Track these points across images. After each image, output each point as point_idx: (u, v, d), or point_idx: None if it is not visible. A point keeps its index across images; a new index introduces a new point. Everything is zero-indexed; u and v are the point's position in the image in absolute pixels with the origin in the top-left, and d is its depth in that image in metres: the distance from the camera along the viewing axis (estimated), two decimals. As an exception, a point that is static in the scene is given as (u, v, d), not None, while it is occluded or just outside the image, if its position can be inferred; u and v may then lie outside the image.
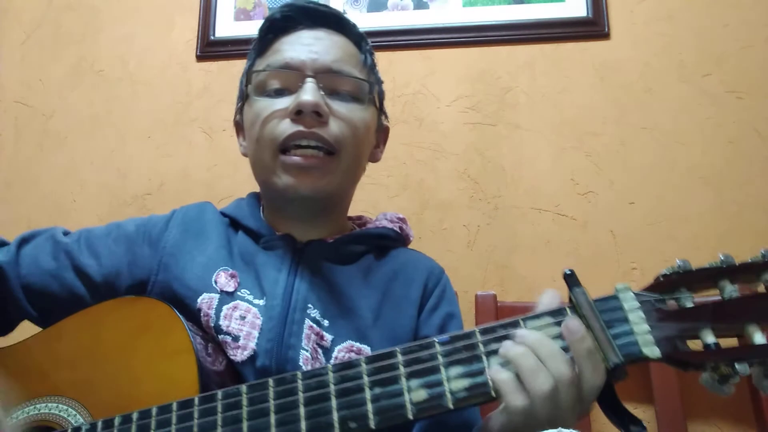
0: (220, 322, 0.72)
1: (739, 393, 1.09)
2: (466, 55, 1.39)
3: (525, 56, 1.37)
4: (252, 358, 0.70)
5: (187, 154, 1.43)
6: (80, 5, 1.57)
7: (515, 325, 0.55)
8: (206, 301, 0.74)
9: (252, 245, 0.81)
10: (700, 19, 1.33)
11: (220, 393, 0.57)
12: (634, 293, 0.55)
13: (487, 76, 1.38)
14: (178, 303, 0.73)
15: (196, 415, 0.56)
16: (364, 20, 1.43)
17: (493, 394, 0.52)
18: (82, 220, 1.42)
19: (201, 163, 1.42)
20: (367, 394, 0.53)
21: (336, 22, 0.84)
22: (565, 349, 0.53)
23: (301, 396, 0.55)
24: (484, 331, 0.55)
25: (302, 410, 0.54)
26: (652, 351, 0.51)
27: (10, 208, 1.46)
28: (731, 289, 0.53)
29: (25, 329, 0.81)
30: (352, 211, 0.95)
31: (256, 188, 0.89)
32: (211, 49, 1.48)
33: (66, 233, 0.85)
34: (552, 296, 0.57)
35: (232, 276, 0.76)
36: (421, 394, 0.53)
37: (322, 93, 0.77)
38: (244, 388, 0.57)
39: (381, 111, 0.89)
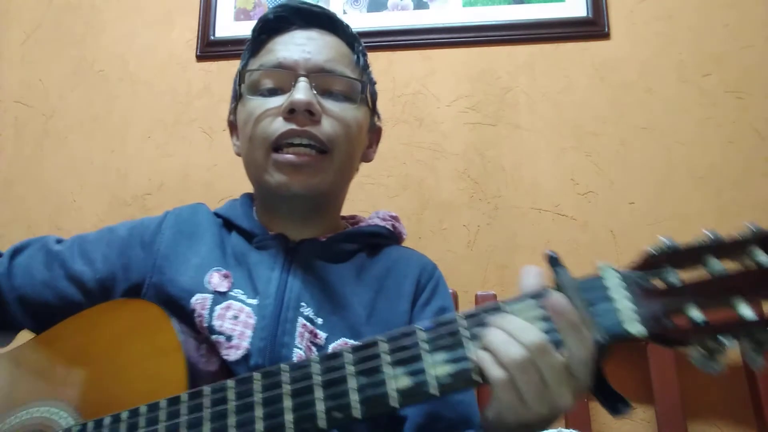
0: (214, 323, 0.72)
1: (739, 393, 1.10)
2: (466, 55, 1.39)
3: (525, 56, 1.37)
4: (245, 358, 0.70)
5: (187, 154, 1.43)
6: (80, 5, 1.57)
7: (497, 309, 0.55)
8: (200, 302, 0.74)
9: (245, 245, 0.81)
10: (700, 19, 1.33)
11: (207, 388, 0.57)
12: (618, 272, 0.55)
13: (487, 76, 1.38)
14: (173, 305, 0.73)
15: (184, 411, 0.57)
16: (364, 20, 1.43)
17: (475, 377, 0.52)
18: (82, 220, 1.42)
19: (201, 163, 1.42)
20: (352, 383, 0.54)
21: (329, 23, 0.84)
22: (548, 331, 0.53)
23: (286, 388, 0.55)
24: (466, 317, 0.55)
25: (288, 402, 0.54)
26: (636, 328, 0.51)
27: (10, 208, 1.46)
28: (717, 265, 0.52)
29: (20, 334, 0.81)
30: (352, 210, 0.95)
31: (256, 188, 0.89)
32: (211, 49, 1.48)
33: (59, 241, 0.86)
34: (533, 274, 0.56)
35: (225, 276, 0.77)
36: (406, 382, 0.53)
37: (315, 92, 0.77)
38: (231, 382, 0.57)
39: (374, 111, 0.89)
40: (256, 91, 0.80)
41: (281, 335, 0.72)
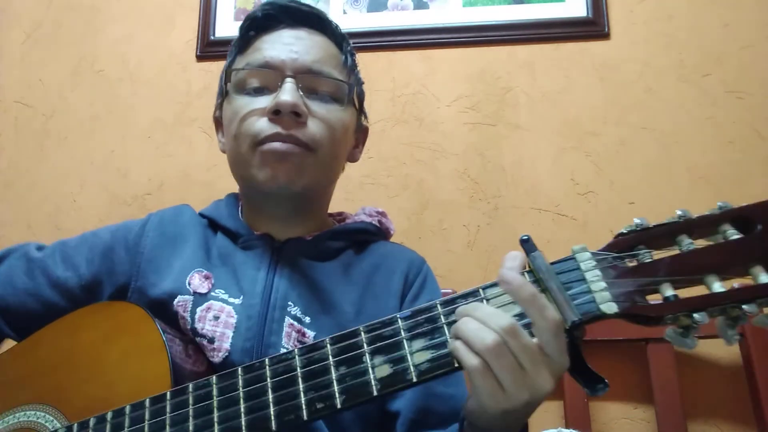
0: (196, 325, 0.72)
1: (739, 393, 1.10)
2: (466, 55, 1.39)
3: (525, 56, 1.37)
4: (228, 359, 0.70)
5: (187, 154, 1.43)
6: (80, 5, 1.57)
7: (475, 294, 0.56)
8: (181, 304, 0.74)
9: (230, 245, 0.81)
10: (700, 19, 1.33)
11: (191, 386, 0.58)
12: (591, 253, 0.55)
13: (487, 76, 1.38)
14: (158, 308, 0.73)
15: (168, 409, 0.58)
16: (364, 20, 1.43)
17: (455, 363, 0.53)
18: (82, 220, 1.42)
19: (201, 163, 1.42)
20: (333, 374, 0.55)
21: (317, 22, 0.84)
22: (524, 314, 0.53)
23: (269, 382, 0.56)
24: (444, 303, 0.56)
25: (270, 396, 0.55)
26: (609, 307, 0.52)
27: (10, 208, 1.46)
28: (689, 243, 0.53)
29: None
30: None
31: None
32: (211, 49, 1.48)
33: (40, 248, 0.84)
34: (513, 259, 0.56)
35: (206, 277, 0.76)
36: (385, 370, 0.54)
37: (301, 93, 0.77)
38: (214, 378, 0.58)
39: (361, 112, 0.89)
40: (243, 89, 0.80)
41: (268, 335, 0.72)
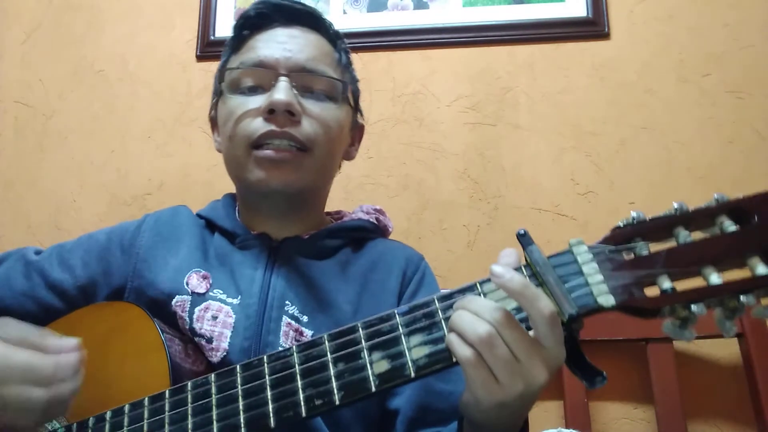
0: (194, 325, 0.73)
1: (739, 393, 1.09)
2: (466, 55, 1.39)
3: (525, 56, 1.37)
4: (226, 359, 0.70)
5: (187, 154, 1.43)
6: (80, 5, 1.57)
7: (472, 289, 0.56)
8: (180, 304, 0.74)
9: (228, 246, 0.81)
10: (700, 19, 1.33)
11: (189, 384, 0.58)
12: (588, 246, 0.56)
13: (487, 76, 1.38)
14: (155, 308, 0.73)
15: (167, 407, 0.58)
16: (364, 20, 1.43)
17: (453, 358, 0.53)
18: (82, 220, 1.42)
19: (201, 163, 1.42)
20: (331, 371, 0.55)
21: (311, 20, 0.83)
22: (522, 309, 0.53)
23: (267, 379, 0.56)
24: (441, 298, 0.56)
25: (269, 393, 0.55)
26: (607, 300, 0.51)
27: (10, 208, 1.46)
28: (686, 235, 0.53)
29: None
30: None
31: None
32: (211, 49, 1.47)
33: (38, 252, 0.85)
34: (508, 255, 0.56)
35: (204, 277, 0.77)
36: (384, 366, 0.54)
37: (296, 92, 0.77)
38: (212, 377, 0.58)
39: (356, 109, 0.89)
40: (237, 89, 0.80)
41: (266, 334, 0.72)
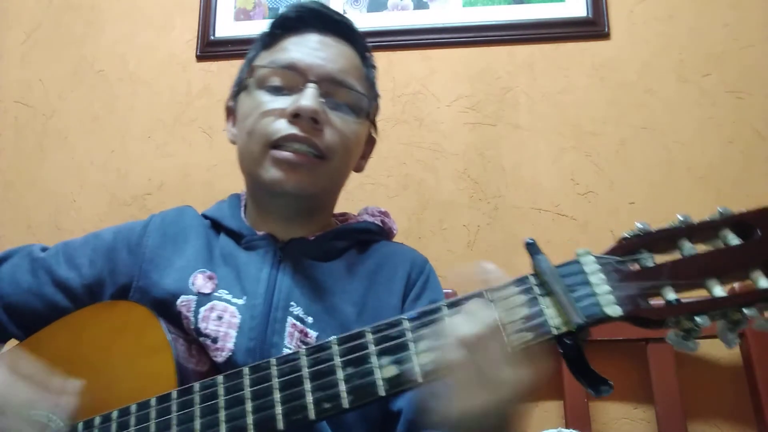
0: (200, 325, 0.72)
1: (739, 393, 1.09)
2: (466, 55, 1.39)
3: (525, 56, 1.37)
4: (231, 359, 0.70)
5: (187, 154, 1.43)
6: (80, 5, 1.57)
7: (480, 296, 0.56)
8: (185, 304, 0.74)
9: (233, 246, 0.81)
10: (700, 19, 1.33)
11: (197, 385, 0.58)
12: (595, 257, 0.56)
13: (487, 76, 1.38)
14: (160, 308, 0.73)
15: (174, 408, 0.58)
16: (364, 20, 1.43)
17: None
18: (82, 220, 1.42)
19: (201, 163, 1.42)
20: (340, 374, 0.55)
21: (346, 32, 0.84)
22: (530, 317, 0.54)
23: (275, 381, 0.56)
24: (450, 305, 0.56)
25: (277, 395, 0.55)
26: (614, 310, 0.52)
27: (10, 208, 1.46)
28: (690, 247, 0.54)
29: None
30: (352, 210, 0.95)
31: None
32: (211, 49, 1.48)
33: (44, 249, 0.85)
34: (479, 271, 0.57)
35: (210, 278, 0.77)
36: (392, 371, 0.54)
37: (322, 99, 0.77)
38: (220, 378, 0.58)
39: (373, 124, 0.89)
40: (263, 85, 0.80)
41: (271, 335, 0.72)
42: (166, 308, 0.74)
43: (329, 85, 0.78)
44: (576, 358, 0.53)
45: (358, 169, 0.91)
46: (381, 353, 0.55)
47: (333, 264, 0.81)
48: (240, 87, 0.85)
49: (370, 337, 0.56)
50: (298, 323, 0.74)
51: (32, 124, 1.51)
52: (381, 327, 0.57)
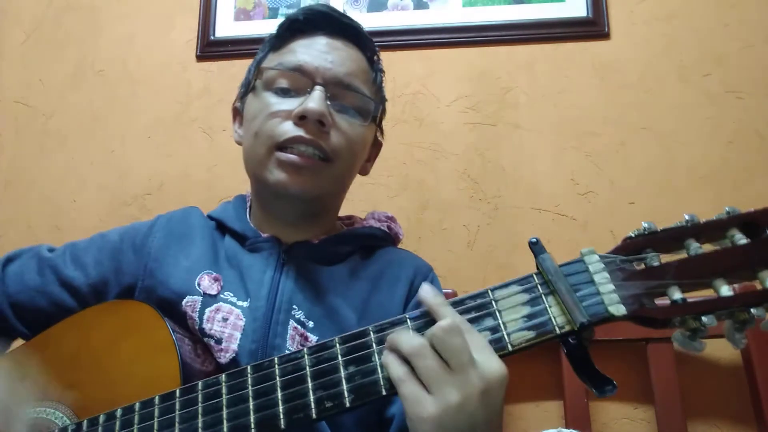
0: (204, 325, 0.73)
1: (739, 393, 1.09)
2: (465, 55, 1.39)
3: (525, 56, 1.37)
4: (235, 360, 0.70)
5: (187, 154, 1.43)
6: (80, 5, 1.57)
7: (484, 296, 0.56)
8: (190, 305, 0.74)
9: (238, 248, 0.81)
10: (700, 19, 1.33)
11: (200, 384, 0.59)
12: (599, 256, 0.56)
13: (487, 76, 1.38)
14: (166, 308, 0.74)
15: (177, 406, 0.58)
16: (364, 20, 1.41)
17: None
18: (82, 220, 1.42)
19: (201, 163, 1.42)
20: (342, 373, 0.55)
21: (354, 35, 0.84)
22: (533, 315, 0.54)
23: (278, 380, 0.56)
24: (453, 304, 0.56)
25: (279, 394, 0.55)
26: (618, 309, 0.52)
27: (10, 208, 1.46)
28: (696, 247, 0.54)
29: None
30: (353, 210, 0.95)
31: (256, 189, 0.89)
32: (211, 49, 1.48)
33: (51, 249, 0.86)
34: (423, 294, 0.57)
35: (216, 279, 0.77)
36: None
37: (329, 102, 0.77)
38: (223, 377, 0.58)
39: (379, 127, 0.90)
40: (270, 87, 0.80)
41: (272, 338, 0.72)
42: (171, 308, 0.75)
43: (336, 88, 0.79)
44: (580, 357, 0.53)
45: (364, 172, 0.91)
46: (383, 352, 0.55)
47: (336, 268, 0.81)
48: (247, 88, 0.85)
49: (372, 335, 0.56)
50: (299, 327, 0.74)
51: (32, 124, 1.51)
52: (384, 326, 0.57)
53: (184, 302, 0.75)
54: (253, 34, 1.44)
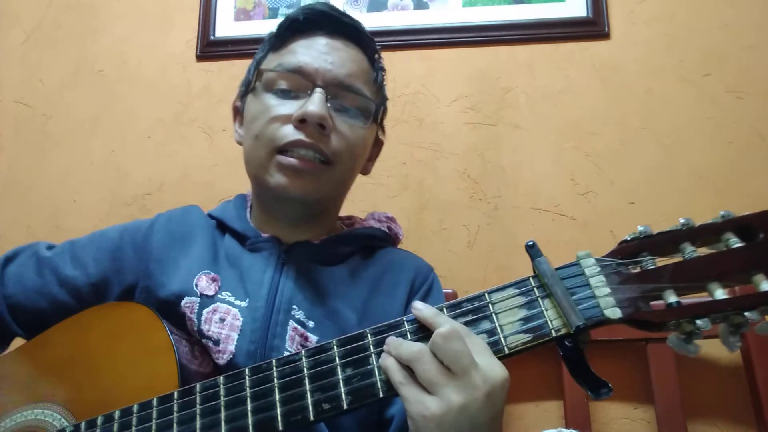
0: (202, 326, 0.73)
1: (739, 393, 1.09)
2: (465, 55, 1.39)
3: (525, 56, 1.37)
4: (233, 361, 0.70)
5: (187, 154, 1.43)
6: (80, 5, 1.57)
7: (480, 298, 0.57)
8: (188, 306, 0.74)
9: (238, 247, 0.81)
10: (701, 19, 1.33)
11: (198, 386, 0.59)
12: (595, 259, 0.56)
13: (487, 76, 1.37)
14: (165, 308, 0.74)
15: (175, 408, 0.58)
16: (364, 20, 1.40)
17: None
18: (82, 220, 1.42)
19: (201, 163, 1.42)
20: (340, 375, 0.55)
21: (355, 35, 0.84)
22: (529, 318, 0.54)
23: (276, 382, 0.56)
24: (450, 307, 0.57)
25: (277, 396, 0.56)
26: (613, 312, 0.52)
27: (10, 209, 1.46)
28: (692, 250, 0.54)
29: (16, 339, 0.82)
30: (352, 210, 0.95)
31: (256, 189, 0.89)
32: (211, 49, 1.48)
33: (50, 247, 0.85)
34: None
35: (214, 279, 0.77)
36: None
37: (329, 105, 0.77)
38: (221, 379, 0.58)
39: (380, 127, 0.89)
40: (270, 88, 0.80)
41: (272, 338, 0.72)
42: (171, 309, 0.74)
43: (336, 89, 0.78)
44: (576, 360, 0.53)
45: (365, 171, 0.91)
46: (381, 354, 0.55)
47: (336, 269, 0.81)
48: (247, 88, 0.84)
49: (370, 338, 0.57)
50: (299, 327, 0.74)
51: (32, 124, 1.51)
52: (381, 329, 0.57)
53: (182, 303, 0.74)
54: (253, 34, 1.44)
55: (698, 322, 0.51)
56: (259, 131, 0.78)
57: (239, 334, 0.72)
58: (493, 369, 0.52)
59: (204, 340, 0.72)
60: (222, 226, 0.84)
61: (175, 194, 1.40)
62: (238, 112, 0.88)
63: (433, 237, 1.30)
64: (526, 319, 0.54)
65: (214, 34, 1.48)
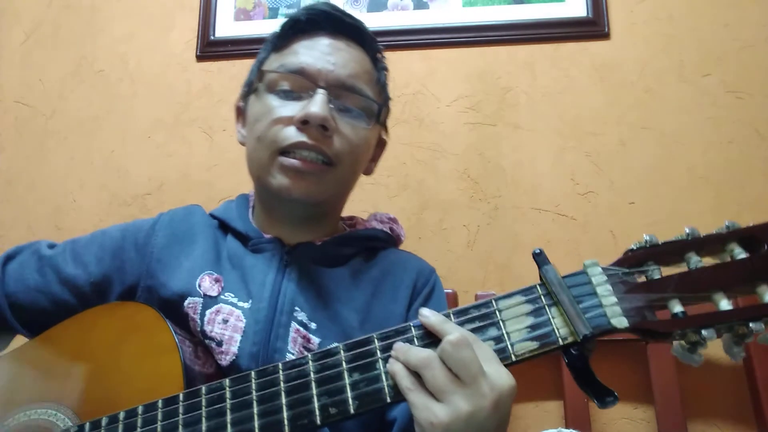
0: (205, 327, 0.72)
1: (739, 393, 1.09)
2: (466, 55, 1.39)
3: (525, 56, 1.37)
4: (235, 363, 0.70)
5: (187, 154, 1.43)
6: (80, 5, 1.57)
7: (488, 305, 0.57)
8: (191, 306, 0.74)
9: (240, 248, 0.80)
10: (700, 19, 1.33)
11: (204, 388, 0.58)
12: (602, 268, 0.56)
13: (487, 76, 1.38)
14: (167, 308, 0.73)
15: (181, 410, 0.58)
16: (364, 20, 1.42)
17: None
18: (82, 220, 1.42)
19: (201, 163, 1.42)
20: (347, 380, 0.55)
21: (357, 35, 0.83)
22: (536, 326, 0.54)
23: (282, 386, 0.56)
24: (457, 313, 0.57)
25: (284, 399, 0.55)
26: (620, 321, 0.53)
27: (10, 208, 1.46)
28: (697, 260, 0.54)
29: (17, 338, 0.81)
30: (352, 210, 0.95)
31: (257, 189, 0.89)
32: (211, 49, 1.48)
33: (51, 246, 0.85)
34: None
35: (217, 280, 0.76)
36: None
37: (332, 106, 0.76)
38: (227, 381, 0.58)
39: (384, 127, 0.89)
40: (272, 89, 0.79)
41: (274, 340, 0.72)
42: (173, 309, 0.74)
43: (339, 90, 0.78)
44: (581, 368, 0.53)
45: (368, 172, 0.91)
46: (388, 360, 0.55)
47: (339, 270, 0.81)
48: (250, 88, 0.84)
49: (377, 343, 0.56)
50: (301, 329, 0.73)
51: (32, 124, 1.51)
52: (388, 334, 0.57)
53: (185, 303, 0.74)
54: (253, 34, 1.44)
55: (704, 332, 0.51)
56: (261, 132, 0.78)
57: (242, 336, 0.72)
58: (500, 377, 0.52)
59: (207, 341, 0.72)
60: (224, 227, 0.84)
61: (175, 194, 1.40)
62: (240, 113, 0.88)
63: (433, 237, 1.30)
64: (533, 327, 0.54)
65: (214, 34, 1.48)
